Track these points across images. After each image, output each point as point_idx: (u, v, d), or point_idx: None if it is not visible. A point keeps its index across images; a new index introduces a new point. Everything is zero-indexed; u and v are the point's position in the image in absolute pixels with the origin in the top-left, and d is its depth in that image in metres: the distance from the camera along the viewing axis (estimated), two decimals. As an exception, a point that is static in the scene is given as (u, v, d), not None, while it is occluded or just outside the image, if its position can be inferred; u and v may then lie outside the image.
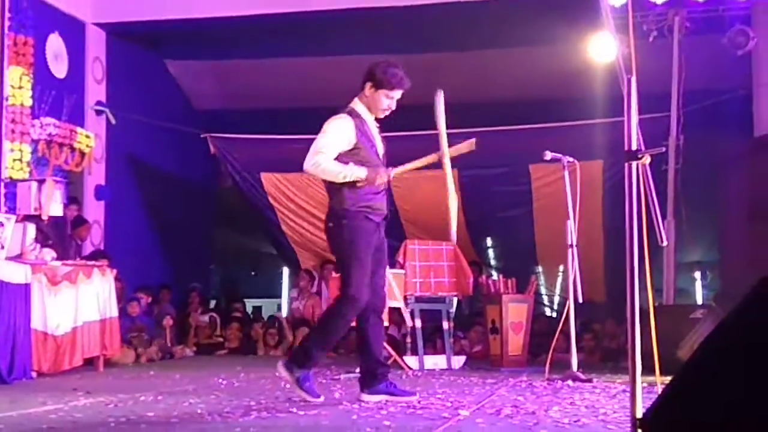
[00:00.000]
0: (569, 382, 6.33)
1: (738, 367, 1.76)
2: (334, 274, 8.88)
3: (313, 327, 5.18)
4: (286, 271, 12.22)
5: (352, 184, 4.95)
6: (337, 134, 4.97)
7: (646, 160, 3.04)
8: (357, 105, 5.11)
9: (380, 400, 4.97)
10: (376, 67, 5.05)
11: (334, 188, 5.02)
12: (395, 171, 5.13)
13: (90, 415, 4.58)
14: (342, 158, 4.96)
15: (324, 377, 6.99)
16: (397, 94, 5.06)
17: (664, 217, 8.38)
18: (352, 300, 4.92)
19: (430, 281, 8.41)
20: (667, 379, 2.46)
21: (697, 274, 13.53)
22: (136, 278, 9.97)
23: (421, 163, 5.23)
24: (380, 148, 5.17)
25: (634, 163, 2.99)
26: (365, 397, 5.05)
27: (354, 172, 4.93)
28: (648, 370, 3.78)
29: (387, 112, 5.12)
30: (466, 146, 5.34)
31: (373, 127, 5.15)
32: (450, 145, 5.17)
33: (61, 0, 9.50)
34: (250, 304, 13.03)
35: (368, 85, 5.05)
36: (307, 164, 4.94)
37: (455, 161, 10.03)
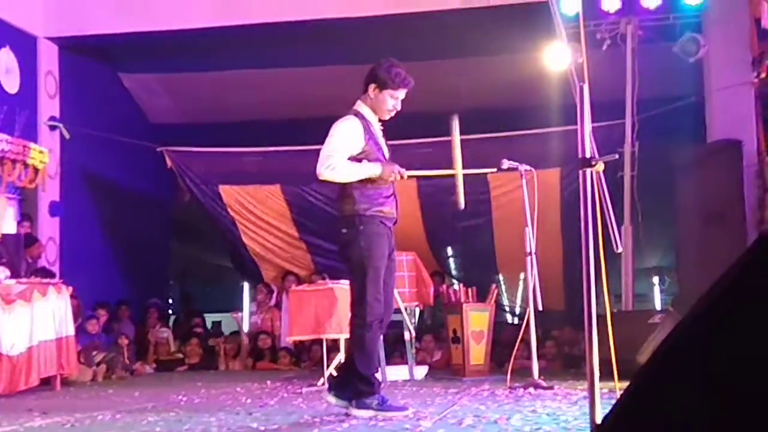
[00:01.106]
0: (531, 389, 6.34)
1: (695, 371, 1.76)
2: (294, 287, 8.84)
3: (351, 355, 5.02)
4: (246, 285, 12.15)
5: (364, 188, 4.85)
6: (347, 136, 4.87)
7: (600, 167, 3.06)
8: (361, 107, 5.02)
9: (369, 416, 4.80)
10: (378, 67, 5.00)
11: (346, 193, 4.90)
12: (410, 172, 5.10)
13: (45, 436, 4.50)
14: (352, 161, 4.89)
15: (286, 391, 6.94)
16: (402, 93, 5.01)
17: (621, 223, 8.46)
18: (370, 308, 4.81)
19: (391, 292, 8.38)
20: (626, 384, 2.46)
21: (656, 279, 13.68)
22: (92, 295, 9.83)
23: (437, 173, 5.54)
24: (386, 151, 5.10)
25: (588, 171, 3.01)
26: (354, 412, 4.88)
27: (370, 169, 4.84)
28: (608, 376, 3.80)
29: (393, 113, 5.05)
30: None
31: (378, 130, 5.07)
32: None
33: (11, 14, 9.37)
34: (209, 319, 12.89)
35: (372, 86, 4.98)
36: (321, 169, 4.81)
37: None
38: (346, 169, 4.82)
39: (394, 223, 5.05)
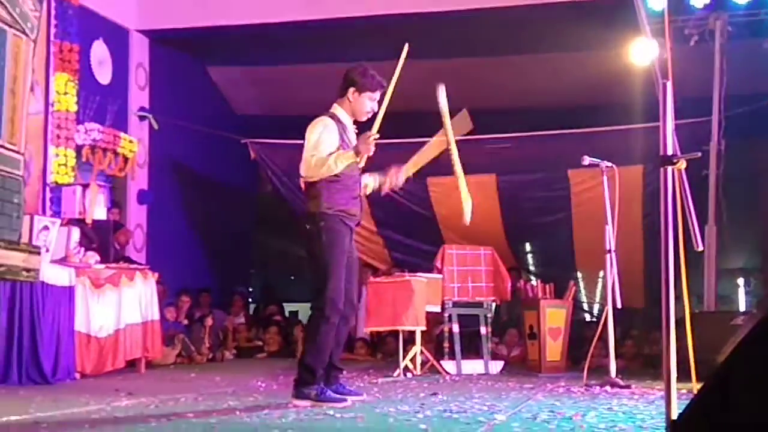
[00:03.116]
0: (607, 388, 6.30)
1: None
2: (372, 278, 8.93)
3: (304, 343, 5.25)
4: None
5: (331, 187, 5.03)
6: (323, 134, 5.07)
7: (682, 165, 3.03)
8: (337, 110, 5.24)
9: (306, 405, 4.95)
10: (354, 72, 5.23)
11: (313, 191, 5.09)
12: (406, 167, 5.29)
13: (131, 415, 4.67)
14: None
15: (362, 380, 7.04)
16: (378, 95, 5.21)
17: (705, 222, 8.30)
18: (330, 302, 4.99)
19: (468, 286, 8.42)
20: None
21: (740, 281, 13.36)
22: (176, 281, 10.10)
23: (429, 153, 5.36)
24: None
25: (669, 168, 2.99)
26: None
27: (347, 155, 4.99)
28: (687, 376, 3.77)
29: (369, 115, 5.23)
30: (462, 121, 5.40)
31: (352, 132, 5.26)
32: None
33: (105, 7, 9.68)
34: (288, 308, 13.10)
35: (351, 90, 5.20)
36: (306, 170, 5.03)
37: (493, 166, 10.00)
38: (324, 163, 4.97)
39: (357, 224, 5.25)
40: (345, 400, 5.06)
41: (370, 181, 5.41)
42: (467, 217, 5.33)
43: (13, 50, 2.67)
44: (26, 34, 2.78)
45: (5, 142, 2.61)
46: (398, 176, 5.37)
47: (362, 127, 5.25)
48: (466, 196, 5.33)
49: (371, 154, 5.06)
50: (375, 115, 5.20)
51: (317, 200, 5.06)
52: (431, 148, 5.41)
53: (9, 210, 2.54)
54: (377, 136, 5.02)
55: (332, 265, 5.01)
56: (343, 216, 5.10)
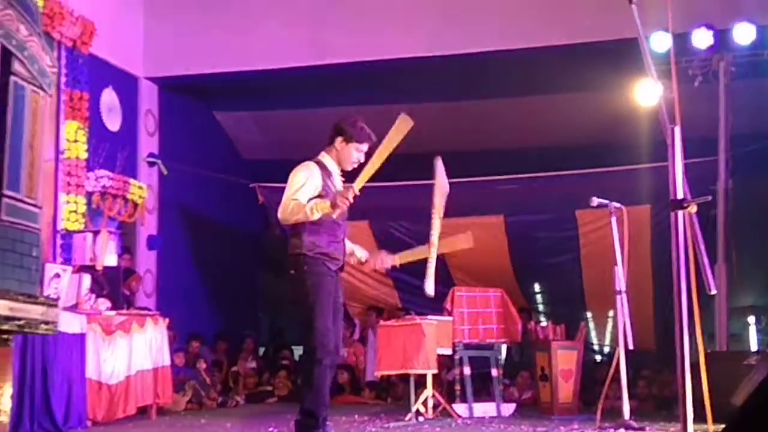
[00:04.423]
0: (621, 430, 6.26)
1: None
2: (382, 322, 8.92)
3: (301, 389, 5.26)
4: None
5: (314, 230, 5.05)
6: (305, 179, 5.08)
7: (693, 208, 3.05)
8: (325, 158, 5.27)
9: None
10: (344, 122, 5.28)
11: (295, 232, 5.11)
12: (395, 258, 5.33)
13: (144, 463, 4.66)
14: None
15: (373, 425, 7.00)
16: (365, 147, 5.25)
17: (714, 262, 8.29)
18: (321, 346, 4.99)
19: (479, 328, 8.40)
20: (721, 427, 2.45)
21: (751, 319, 13.29)
22: (185, 326, 10.09)
23: (412, 257, 5.40)
24: None
25: (680, 212, 3.00)
26: None
27: (320, 204, 4.97)
28: (701, 418, 3.75)
29: (355, 165, 5.25)
30: (463, 241, 5.42)
31: (338, 180, 5.27)
32: (447, 233, 5.35)
33: (115, 56, 9.80)
34: (297, 351, 13.06)
35: (339, 139, 5.24)
36: (284, 215, 5.00)
37: (500, 207, 10.00)
38: (306, 209, 4.95)
39: (340, 268, 5.22)
40: None
41: (358, 251, 5.44)
42: (429, 291, 5.28)
43: (32, 106, 2.72)
44: (44, 90, 2.84)
45: (24, 196, 2.64)
46: (385, 262, 5.38)
47: (350, 176, 5.25)
48: (431, 272, 5.30)
49: (345, 209, 5.00)
50: (362, 165, 5.18)
51: (299, 241, 5.07)
52: (421, 252, 5.41)
53: (28, 263, 2.57)
54: (357, 193, 4.96)
55: (318, 307, 5.02)
56: (325, 259, 5.10)
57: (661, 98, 3.37)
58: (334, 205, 4.91)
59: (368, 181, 4.96)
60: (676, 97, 3.42)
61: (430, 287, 5.22)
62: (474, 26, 9.52)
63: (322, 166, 5.21)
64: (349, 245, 5.37)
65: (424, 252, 5.33)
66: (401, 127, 4.98)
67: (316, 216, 4.96)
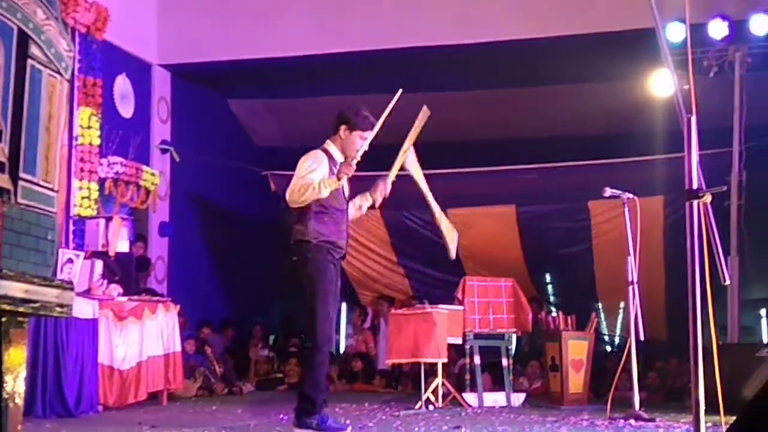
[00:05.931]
0: (632, 421, 6.26)
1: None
2: (393, 310, 8.93)
3: (301, 374, 5.40)
4: (344, 306, 12.30)
5: (319, 218, 5.12)
6: (314, 164, 5.16)
7: (707, 198, 3.04)
8: (330, 146, 5.34)
9: None
10: (348, 111, 5.35)
11: (301, 220, 5.17)
12: (389, 175, 5.39)
13: (156, 448, 4.68)
14: None
15: (383, 413, 7.02)
16: (370, 135, 5.29)
17: (727, 253, 8.25)
18: (321, 332, 5.06)
19: (489, 318, 8.40)
20: (732, 419, 2.44)
21: (763, 311, 13.24)
22: (197, 313, 10.12)
23: (396, 166, 5.46)
24: (346, 190, 5.38)
25: (695, 202, 2.99)
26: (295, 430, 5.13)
27: (328, 180, 5.07)
28: (712, 409, 3.74)
29: (359, 153, 5.29)
30: (421, 116, 5.47)
31: None
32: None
33: (128, 42, 9.81)
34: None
35: (343, 128, 5.31)
36: (292, 196, 5.06)
37: (513, 197, 10.00)
38: (309, 188, 5.02)
39: (343, 257, 5.32)
40: (345, 428, 5.10)
41: (364, 202, 5.49)
42: (452, 253, 5.37)
43: (48, 89, 2.73)
44: (61, 74, 2.84)
45: (40, 180, 2.65)
46: (385, 187, 5.41)
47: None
48: (448, 230, 5.36)
49: (350, 175, 5.15)
50: (366, 155, 5.28)
51: (303, 228, 5.13)
52: (400, 158, 5.48)
53: (43, 247, 2.58)
54: (358, 158, 5.15)
55: (320, 295, 5.08)
56: (329, 247, 5.17)
57: (677, 88, 3.35)
58: (340, 177, 5.07)
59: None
60: (692, 88, 3.41)
61: (452, 251, 5.41)
62: (490, 16, 9.48)
63: (329, 155, 5.27)
64: (354, 204, 5.44)
65: (402, 157, 5.41)
66: (423, 118, 5.12)
67: (325, 192, 5.02)
